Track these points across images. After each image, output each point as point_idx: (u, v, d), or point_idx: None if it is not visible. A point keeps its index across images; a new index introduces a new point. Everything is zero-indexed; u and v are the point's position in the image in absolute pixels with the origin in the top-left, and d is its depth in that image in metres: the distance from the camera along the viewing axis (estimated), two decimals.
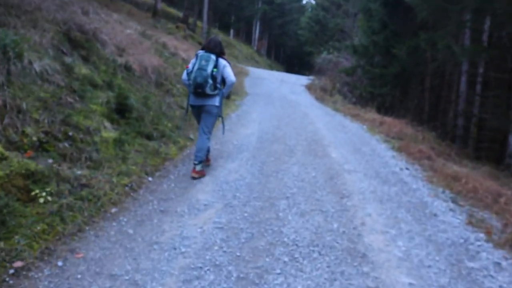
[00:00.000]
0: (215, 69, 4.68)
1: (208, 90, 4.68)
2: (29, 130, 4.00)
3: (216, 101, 4.88)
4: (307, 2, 52.26)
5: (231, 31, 39.40)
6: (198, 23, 25.98)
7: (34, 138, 3.98)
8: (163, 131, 5.98)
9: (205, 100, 4.82)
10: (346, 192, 4.88)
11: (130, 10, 17.20)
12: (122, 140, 4.97)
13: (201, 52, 4.82)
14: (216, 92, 4.81)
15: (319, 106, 13.96)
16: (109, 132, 5.00)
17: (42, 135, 4.07)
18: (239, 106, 11.36)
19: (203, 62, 4.66)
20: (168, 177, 4.87)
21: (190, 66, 4.83)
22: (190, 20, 26.05)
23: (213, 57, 4.72)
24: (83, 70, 5.79)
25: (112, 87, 5.98)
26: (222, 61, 4.84)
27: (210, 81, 4.64)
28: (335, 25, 33.45)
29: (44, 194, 3.46)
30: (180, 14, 26.84)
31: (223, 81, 4.94)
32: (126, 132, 5.29)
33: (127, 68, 6.88)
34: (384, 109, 15.65)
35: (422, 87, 17.16)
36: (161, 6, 18.36)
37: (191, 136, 6.57)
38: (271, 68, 38.60)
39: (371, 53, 17.81)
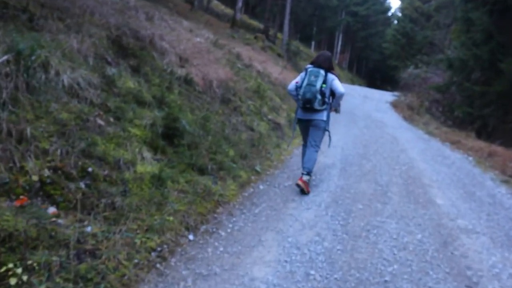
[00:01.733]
0: (323, 85, 4.64)
1: (316, 106, 4.65)
2: (30, 165, 2.88)
3: (324, 115, 4.81)
4: (393, 14, 49.34)
5: (312, 43, 37.91)
6: (279, 34, 24.89)
7: (35, 178, 2.84)
8: (221, 162, 4.68)
9: (313, 114, 4.79)
10: (472, 275, 3.22)
11: (208, 20, 16.44)
12: (163, 176, 3.72)
13: (310, 67, 4.80)
14: (324, 107, 4.76)
15: (409, 128, 12.01)
16: (148, 166, 3.78)
17: (47, 173, 2.92)
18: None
19: (312, 78, 4.65)
20: (217, 233, 3.51)
21: (299, 80, 4.84)
22: (271, 31, 25.02)
23: (322, 72, 4.68)
24: (128, 83, 4.67)
25: (163, 104, 4.81)
26: (330, 76, 4.75)
27: (319, 96, 4.61)
28: (424, 38, 30.69)
29: (19, 271, 2.26)
30: (261, 26, 25.93)
31: (332, 94, 4.81)
32: (171, 164, 4.05)
33: (187, 81, 5.72)
34: (486, 133, 13.27)
35: None
36: (240, 16, 17.46)
37: (258, 167, 5.21)
38: (352, 82, 36.49)
39: (470, 68, 15.38)
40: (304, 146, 5.18)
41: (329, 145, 5.63)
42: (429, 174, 6.31)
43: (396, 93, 24.67)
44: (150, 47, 5.70)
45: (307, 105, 4.67)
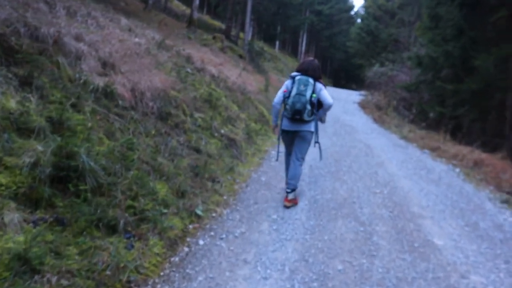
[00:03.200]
0: (313, 95, 4.33)
1: (305, 117, 4.34)
2: None
3: (311, 126, 4.49)
4: (356, 13, 48.79)
5: (277, 43, 36.70)
6: (242, 34, 23.50)
7: None
8: (144, 209, 3.27)
9: (301, 125, 4.44)
10: None
11: (163, 20, 14.87)
12: (32, 255, 2.30)
13: (298, 76, 4.43)
14: (312, 117, 4.44)
15: (381, 132, 10.90)
16: (13, 236, 2.35)
17: None
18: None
19: (302, 87, 4.32)
20: None
21: (286, 89, 4.44)
22: (233, 31, 23.60)
23: (311, 81, 4.35)
24: (9, 102, 3.21)
25: (63, 130, 3.37)
26: (318, 85, 4.42)
27: (309, 107, 4.31)
28: (389, 36, 30.02)
29: None
30: (223, 26, 24.47)
31: (319, 104, 4.46)
32: (58, 227, 2.63)
33: (107, 94, 4.27)
34: (461, 134, 12.33)
35: (502, 107, 13.59)
36: (197, 15, 15.97)
37: (199, 209, 3.81)
38: None
39: (440, 65, 14.48)
40: (288, 155, 4.80)
41: (320, 158, 5.11)
42: (417, 198, 5.09)
43: (362, 92, 23.83)
44: (55, 49, 4.21)
45: (296, 116, 4.31)
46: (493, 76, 12.17)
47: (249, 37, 20.12)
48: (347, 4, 47.60)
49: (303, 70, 4.45)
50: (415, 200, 5.02)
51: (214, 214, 3.91)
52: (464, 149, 8.53)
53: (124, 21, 7.54)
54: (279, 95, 4.48)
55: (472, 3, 13.13)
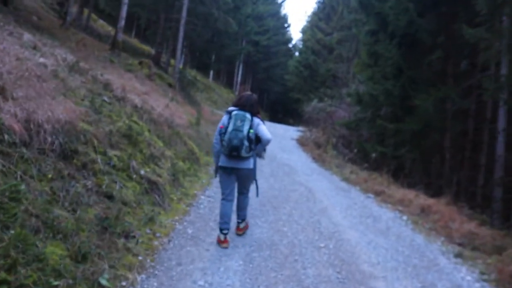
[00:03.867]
0: (251, 130, 4.37)
1: (243, 153, 4.36)
2: None
3: (250, 163, 4.58)
4: (294, 46, 50.44)
5: (211, 73, 36.62)
6: (173, 61, 23.05)
7: None
8: (21, 285, 2.58)
9: (239, 163, 4.48)
10: None
11: (82, 39, 14.07)
12: None
13: (235, 110, 4.48)
14: (251, 153, 4.48)
15: (322, 173, 10.76)
16: None
17: None
18: (213, 177, 8.02)
19: (239, 123, 4.36)
20: None
21: (222, 125, 4.47)
22: (163, 57, 23.11)
23: (248, 116, 4.42)
24: None
25: None
26: (256, 120, 4.49)
27: (246, 143, 4.33)
28: (327, 71, 31.12)
29: None
30: (153, 51, 23.90)
31: (257, 139, 4.53)
32: None
33: None
34: (403, 174, 12.57)
35: (440, 148, 14.16)
36: (123, 37, 15.32)
37: (104, 279, 3.15)
38: None
39: (380, 104, 14.93)
40: (225, 200, 4.62)
41: (257, 195, 5.18)
42: (366, 253, 4.78)
43: (300, 128, 24.09)
44: None
45: (233, 152, 4.35)
46: (432, 116, 12.69)
47: (181, 65, 19.70)
48: (285, 36, 49.10)
49: (240, 105, 4.52)
50: (364, 256, 4.70)
51: (124, 283, 3.27)
52: (409, 194, 8.53)
53: (27, 36, 6.78)
54: (216, 135, 4.57)
55: (410, 42, 13.78)
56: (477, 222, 7.14)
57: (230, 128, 4.35)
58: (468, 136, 14.03)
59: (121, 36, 14.78)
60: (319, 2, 38.52)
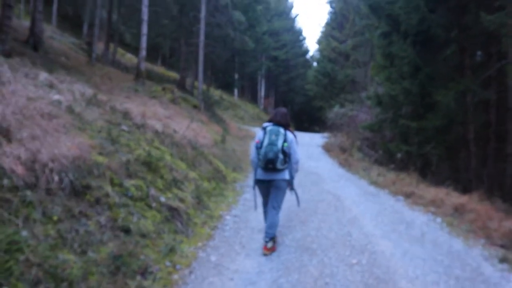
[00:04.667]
0: (285, 144, 4.46)
1: (279, 165, 4.43)
2: None
3: (286, 174, 4.57)
4: (312, 56, 49.75)
5: (235, 91, 36.39)
6: (197, 83, 22.86)
7: None
8: None
9: (275, 174, 4.52)
10: None
11: (107, 73, 13.98)
12: None
13: (269, 126, 4.61)
14: (286, 165, 4.53)
15: (349, 178, 10.12)
16: None
17: None
18: (240, 194, 7.55)
19: (273, 137, 4.47)
20: None
21: (258, 140, 4.59)
22: (187, 81, 22.97)
23: (282, 130, 4.53)
24: None
25: None
26: (289, 135, 4.59)
27: (281, 156, 4.41)
28: (345, 76, 30.34)
29: None
30: (178, 77, 23.81)
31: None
32: None
33: None
34: (430, 172, 11.75)
35: (465, 140, 13.21)
36: (146, 66, 15.18)
37: None
38: None
39: (400, 103, 14.14)
40: (265, 206, 4.82)
41: (298, 205, 5.16)
42: (402, 266, 4.16)
43: (325, 134, 23.41)
44: None
45: (269, 165, 4.42)
46: (454, 111, 11.88)
47: (203, 86, 19.45)
48: (302, 48, 48.51)
49: (273, 120, 4.66)
50: (401, 270, 4.09)
51: None
52: (439, 192, 7.80)
53: (43, 75, 6.51)
54: (252, 149, 4.68)
55: (424, 40, 13.03)
56: None
57: (265, 143, 4.46)
58: (492, 127, 13.09)
59: (143, 66, 14.62)
60: (330, 12, 37.83)
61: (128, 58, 28.55)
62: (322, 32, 40.48)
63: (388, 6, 14.06)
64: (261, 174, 4.58)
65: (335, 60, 32.73)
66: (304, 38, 57.53)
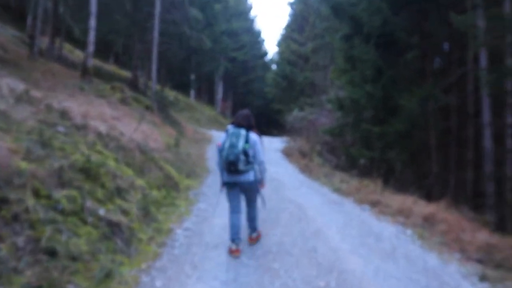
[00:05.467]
0: (246, 145, 4.54)
1: (241, 167, 4.50)
2: None
3: (250, 176, 4.63)
4: (271, 59, 49.60)
5: (192, 92, 35.48)
6: (151, 83, 21.94)
7: None
8: None
9: (239, 176, 4.61)
10: None
11: (50, 69, 12.95)
12: None
13: (231, 129, 4.68)
14: (250, 166, 4.59)
15: (311, 185, 9.74)
16: None
17: None
18: (194, 203, 6.95)
19: (234, 139, 4.55)
20: None
21: (221, 143, 4.68)
22: (141, 80, 22.01)
23: (243, 132, 4.60)
24: None
25: None
26: (252, 136, 4.67)
27: (242, 157, 4.48)
28: (305, 79, 30.28)
29: None
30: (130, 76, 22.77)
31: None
32: None
33: None
34: (393, 179, 11.62)
35: (427, 146, 13.26)
36: (93, 63, 14.20)
37: None
38: None
39: (362, 107, 14.00)
40: (232, 212, 4.79)
41: (264, 207, 5.34)
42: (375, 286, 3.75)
43: (284, 138, 23.12)
44: None
45: (231, 167, 4.51)
46: (417, 116, 11.83)
47: (157, 86, 18.63)
48: (261, 50, 48.28)
49: (235, 122, 4.73)
50: None
51: None
52: (406, 200, 7.55)
53: None
54: (217, 154, 4.76)
55: (386, 42, 12.96)
56: (488, 229, 6.24)
57: (226, 145, 4.54)
58: (452, 133, 13.18)
59: (91, 62, 13.66)
60: (291, 14, 37.85)
61: (77, 54, 27.08)
62: (282, 35, 40.49)
63: (351, 8, 13.95)
64: (226, 177, 4.67)
65: (295, 62, 32.67)
66: (263, 40, 57.44)
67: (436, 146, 12.72)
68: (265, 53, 49.92)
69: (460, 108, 13.16)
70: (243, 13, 44.14)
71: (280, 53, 37.27)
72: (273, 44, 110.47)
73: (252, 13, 48.81)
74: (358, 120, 14.03)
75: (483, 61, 11.61)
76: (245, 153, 4.49)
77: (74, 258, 3.50)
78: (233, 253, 4.51)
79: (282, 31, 40.82)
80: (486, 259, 4.67)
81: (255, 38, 46.55)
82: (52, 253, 3.37)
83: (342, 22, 15.40)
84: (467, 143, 12.62)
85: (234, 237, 4.61)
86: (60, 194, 4.12)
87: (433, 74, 12.86)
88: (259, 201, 5.04)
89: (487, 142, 11.44)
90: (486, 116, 11.49)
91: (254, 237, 5.00)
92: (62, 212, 3.95)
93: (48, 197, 3.95)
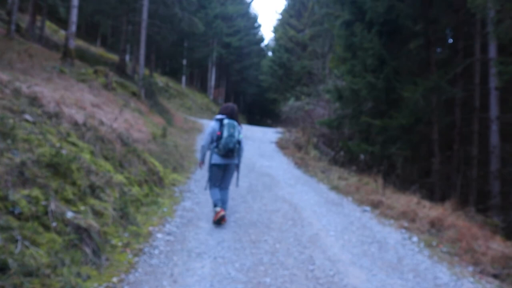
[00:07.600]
0: (240, 135, 5.45)
1: (235, 153, 5.45)
2: None
3: (236, 160, 5.58)
4: (267, 45, 48.97)
5: (183, 78, 34.86)
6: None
7: None
8: None
9: (230, 160, 5.48)
10: None
11: (29, 48, 12.35)
12: None
13: (226, 120, 5.41)
14: (239, 152, 5.58)
15: (308, 182, 9.32)
16: None
17: None
18: (178, 201, 6.50)
19: (231, 130, 5.33)
20: None
21: (214, 130, 5.42)
22: (128, 65, 21.40)
23: (236, 124, 5.44)
24: None
25: None
26: (240, 129, 5.52)
27: (238, 145, 5.43)
28: (302, 68, 29.76)
29: None
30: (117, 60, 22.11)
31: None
32: None
33: None
34: (395, 175, 11.23)
35: (429, 141, 12.86)
36: (74, 44, 13.57)
37: None
38: None
39: (363, 99, 13.55)
40: (217, 187, 5.60)
41: (236, 185, 6.03)
42: None
43: (279, 129, 22.67)
44: None
45: (229, 153, 5.36)
46: (422, 109, 11.42)
47: (145, 71, 18.04)
48: (256, 36, 47.58)
49: (228, 114, 5.51)
50: None
51: None
52: (410, 201, 7.18)
53: None
54: (206, 138, 5.45)
55: (390, 30, 12.50)
56: (498, 235, 5.85)
57: (225, 134, 5.28)
58: (456, 128, 12.79)
59: (73, 43, 13.05)
60: None
61: (62, 35, 26.35)
62: (279, 20, 39.82)
63: None
64: (218, 159, 5.42)
65: (292, 50, 32.11)
66: (260, 26, 56.57)
67: (439, 142, 12.33)
68: (261, 39, 49.28)
69: (465, 102, 12.78)
70: None
71: (277, 39, 36.63)
72: (269, 31, 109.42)
73: None
74: (358, 112, 13.58)
75: (492, 51, 11.21)
76: (239, 142, 5.43)
77: (29, 273, 3.05)
78: (221, 220, 5.27)
79: (279, 17, 40.12)
80: (504, 274, 4.28)
81: (251, 23, 45.86)
82: (1, 269, 2.91)
83: (343, 8, 14.87)
84: (472, 139, 12.26)
85: (217, 203, 5.37)
86: (18, 195, 3.65)
87: (436, 64, 12.42)
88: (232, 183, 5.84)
89: (494, 138, 11.10)
90: (494, 110, 11.12)
91: (224, 215, 5.43)
92: (20, 216, 3.49)
93: (4, 198, 3.49)
